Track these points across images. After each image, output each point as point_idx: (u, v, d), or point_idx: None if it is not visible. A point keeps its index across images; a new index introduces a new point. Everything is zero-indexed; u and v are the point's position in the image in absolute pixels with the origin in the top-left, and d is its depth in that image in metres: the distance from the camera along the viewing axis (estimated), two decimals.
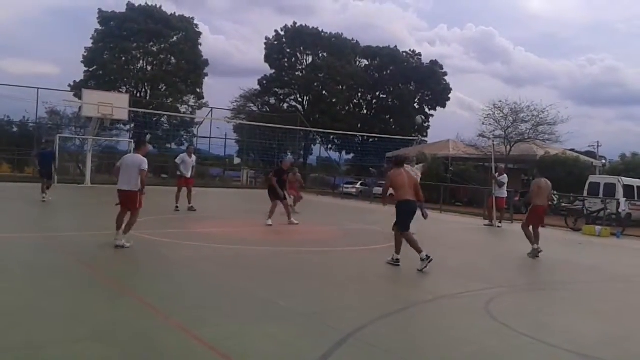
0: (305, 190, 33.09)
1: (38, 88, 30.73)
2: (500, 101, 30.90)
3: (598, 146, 51.39)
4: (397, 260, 8.32)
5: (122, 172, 8.62)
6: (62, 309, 5.16)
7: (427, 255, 7.93)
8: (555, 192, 26.11)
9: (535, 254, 10.29)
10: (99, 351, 4.09)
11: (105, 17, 40.48)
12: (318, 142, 47.53)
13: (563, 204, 23.83)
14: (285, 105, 50.34)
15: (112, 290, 6.08)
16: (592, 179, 23.62)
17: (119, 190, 8.67)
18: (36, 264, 7.17)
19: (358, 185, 34.25)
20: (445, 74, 53.10)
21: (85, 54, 40.13)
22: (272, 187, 13.39)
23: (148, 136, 39.13)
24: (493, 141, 25.57)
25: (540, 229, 10.84)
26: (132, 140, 30.83)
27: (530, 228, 10.65)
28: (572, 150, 34.40)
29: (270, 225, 12.57)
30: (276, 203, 13.12)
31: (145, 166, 8.65)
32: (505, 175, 17.18)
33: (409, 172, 8.74)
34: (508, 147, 30.11)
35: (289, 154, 38.87)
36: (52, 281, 6.25)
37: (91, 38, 40.53)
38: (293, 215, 13.82)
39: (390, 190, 8.57)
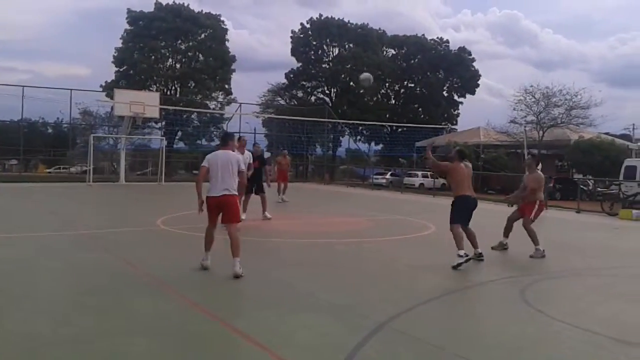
0: (334, 181, 33.15)
1: (71, 89, 31.25)
2: (532, 86, 30.36)
3: (633, 129, 50.04)
4: (465, 255, 7.44)
5: (216, 173, 6.73)
6: (104, 304, 5.31)
7: (465, 254, 7.39)
8: (590, 177, 25.68)
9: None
10: (144, 344, 4.23)
11: (134, 17, 40.99)
12: (347, 133, 47.41)
13: (598, 189, 23.34)
14: (313, 98, 50.21)
15: (151, 285, 6.23)
16: (628, 162, 23.04)
17: (212, 197, 6.75)
18: (77, 261, 7.38)
19: (388, 176, 34.09)
20: (473, 60, 52.16)
21: (116, 54, 40.72)
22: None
23: (180, 133, 39.68)
24: (525, 127, 25.19)
25: (577, 214, 10.58)
26: (164, 138, 31.36)
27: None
28: (607, 133, 33.63)
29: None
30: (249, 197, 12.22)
31: (244, 166, 7.09)
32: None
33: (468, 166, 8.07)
34: (540, 132, 29.62)
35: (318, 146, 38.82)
36: (94, 278, 6.43)
37: (121, 38, 41.15)
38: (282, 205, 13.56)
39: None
